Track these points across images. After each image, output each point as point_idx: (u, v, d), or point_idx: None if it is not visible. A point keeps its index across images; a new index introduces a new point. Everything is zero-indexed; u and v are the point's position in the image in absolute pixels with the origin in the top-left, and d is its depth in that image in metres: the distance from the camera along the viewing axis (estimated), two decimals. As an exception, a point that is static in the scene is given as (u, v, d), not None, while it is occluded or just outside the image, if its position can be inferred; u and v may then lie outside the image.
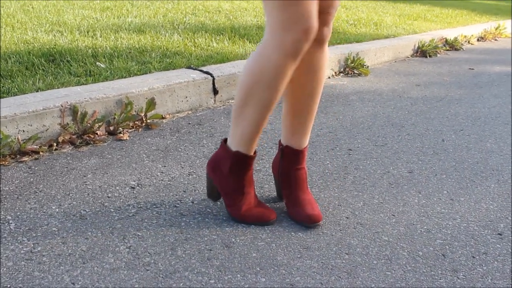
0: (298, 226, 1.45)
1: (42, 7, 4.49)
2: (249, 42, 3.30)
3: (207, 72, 2.45)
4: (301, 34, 1.23)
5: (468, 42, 5.79)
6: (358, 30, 4.55)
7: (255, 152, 1.44)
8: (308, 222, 1.44)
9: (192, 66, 2.56)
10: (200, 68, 2.51)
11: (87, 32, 3.31)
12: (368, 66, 3.59)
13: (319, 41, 1.40)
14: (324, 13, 1.35)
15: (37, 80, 2.28)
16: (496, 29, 6.76)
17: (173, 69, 2.53)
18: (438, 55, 4.66)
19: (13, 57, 2.60)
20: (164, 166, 1.80)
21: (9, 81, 2.28)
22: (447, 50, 4.98)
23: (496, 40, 6.43)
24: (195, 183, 1.68)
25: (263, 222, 1.44)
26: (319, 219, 1.44)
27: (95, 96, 2.06)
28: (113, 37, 3.18)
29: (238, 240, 1.36)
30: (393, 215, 1.55)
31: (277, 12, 1.23)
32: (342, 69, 3.42)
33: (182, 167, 1.79)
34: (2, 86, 2.19)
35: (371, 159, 1.98)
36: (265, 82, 1.30)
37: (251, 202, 1.46)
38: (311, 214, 1.44)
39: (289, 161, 1.51)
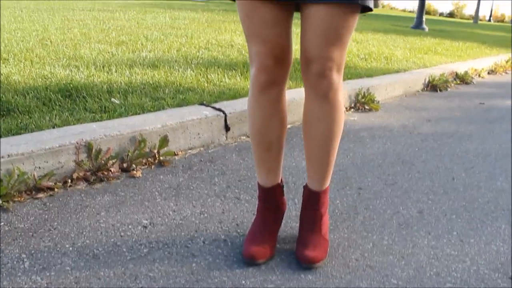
0: (308, 269, 1.46)
1: (60, 41, 4.62)
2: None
3: (219, 109, 2.50)
4: (256, 70, 1.39)
5: (479, 75, 5.82)
6: (368, 64, 4.61)
7: (277, 186, 1.57)
8: (303, 261, 1.46)
9: (204, 102, 2.61)
10: (212, 105, 2.56)
11: (103, 67, 3.40)
12: (378, 101, 3.63)
13: (317, 93, 1.38)
14: (316, 63, 1.33)
15: (54, 116, 2.34)
16: (507, 62, 6.80)
17: (186, 105, 2.58)
18: (449, 89, 4.68)
19: (31, 92, 2.67)
20: (176, 204, 1.82)
21: (27, 116, 2.34)
22: (458, 84, 5.01)
23: (506, 73, 6.46)
24: (206, 223, 1.70)
25: (248, 259, 1.46)
26: (314, 261, 1.45)
27: (110, 133, 2.11)
28: (127, 72, 3.26)
29: (248, 282, 1.37)
30: (403, 257, 1.56)
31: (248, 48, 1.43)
32: (353, 104, 3.45)
33: (194, 206, 1.82)
34: (20, 122, 2.25)
35: (381, 199, 1.99)
36: (248, 114, 1.51)
37: (256, 232, 1.53)
38: (308, 255, 1.46)
39: (306, 201, 1.57)
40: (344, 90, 3.40)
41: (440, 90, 4.55)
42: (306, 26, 1.32)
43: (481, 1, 31.57)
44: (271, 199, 1.57)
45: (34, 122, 2.25)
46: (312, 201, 1.55)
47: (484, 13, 63.38)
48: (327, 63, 1.33)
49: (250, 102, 1.48)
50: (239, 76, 3.34)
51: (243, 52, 4.37)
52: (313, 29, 1.31)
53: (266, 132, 1.48)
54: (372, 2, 1.36)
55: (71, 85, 2.82)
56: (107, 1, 15.70)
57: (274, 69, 1.38)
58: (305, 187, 1.57)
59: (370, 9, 1.36)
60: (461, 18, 54.15)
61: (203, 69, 3.46)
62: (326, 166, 1.51)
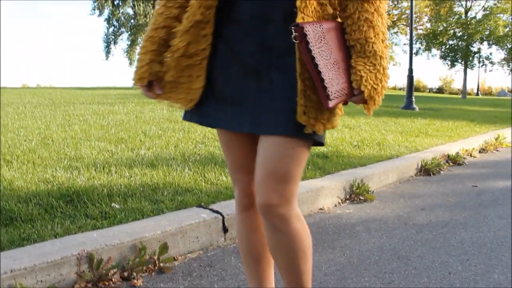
0: None
1: (61, 140, 4.77)
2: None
3: (217, 211, 2.57)
4: (238, 193, 1.52)
5: (470, 155, 5.96)
6: (361, 152, 4.74)
7: None
8: None
9: (202, 204, 2.69)
10: (210, 207, 2.64)
11: (103, 168, 3.50)
12: (373, 191, 3.71)
13: (269, 225, 1.39)
14: (261, 197, 1.35)
15: (56, 225, 2.40)
16: (496, 139, 6.97)
17: (185, 208, 2.65)
18: (442, 172, 4.79)
19: (34, 199, 2.75)
20: (176, 316, 1.84)
21: (30, 225, 2.40)
22: (450, 166, 5.13)
23: (497, 150, 6.60)
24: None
25: None
26: None
27: (110, 242, 2.16)
28: (127, 173, 3.36)
29: None
30: None
31: None
32: (348, 196, 3.53)
33: (194, 317, 1.84)
34: (23, 232, 2.31)
35: (379, 299, 2.01)
36: (235, 228, 1.63)
37: None
38: None
39: None
40: (337, 182, 3.48)
41: (433, 174, 4.65)
42: (257, 157, 1.36)
43: (467, 75, 32.73)
44: None
45: (36, 232, 2.30)
46: None
47: (471, 85, 65.38)
48: (272, 197, 1.33)
49: (236, 217, 1.59)
50: (235, 173, 3.44)
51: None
52: (261, 162, 1.34)
53: (253, 245, 1.55)
54: (323, 137, 1.38)
55: (72, 190, 2.91)
56: (106, 91, 16.25)
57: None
58: None
59: (322, 144, 1.39)
60: (450, 93, 55.81)
61: (200, 167, 3.57)
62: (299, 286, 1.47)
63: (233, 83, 1.37)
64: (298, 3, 1.25)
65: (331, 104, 1.24)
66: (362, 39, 1.29)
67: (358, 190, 3.53)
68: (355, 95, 1.30)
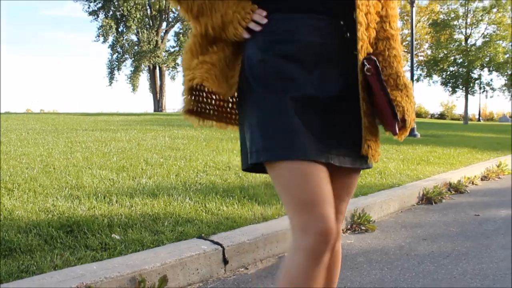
0: None
1: (63, 168, 4.78)
2: (258, 204, 3.45)
3: (217, 243, 2.56)
4: (319, 237, 1.24)
5: (472, 183, 5.94)
6: (363, 180, 4.74)
7: None
8: None
9: (203, 235, 2.68)
10: (210, 238, 2.63)
11: (104, 198, 3.50)
12: (374, 221, 3.69)
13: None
14: None
15: (55, 256, 2.39)
16: (498, 166, 6.95)
17: (185, 239, 2.64)
18: (444, 200, 4.77)
19: (34, 229, 2.74)
20: None
21: (29, 257, 2.39)
22: (452, 194, 5.11)
23: (499, 178, 6.59)
24: None
25: None
26: None
27: (110, 274, 2.15)
28: (128, 203, 3.36)
29: None
30: None
31: (294, 215, 1.27)
32: (349, 226, 3.51)
33: None
34: (22, 264, 2.30)
35: (380, 334, 1.98)
36: (291, 281, 1.29)
37: None
38: None
39: None
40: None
41: (435, 203, 4.63)
42: (341, 190, 1.46)
43: (469, 101, 32.83)
44: None
45: (35, 264, 2.29)
46: None
47: (473, 110, 65.60)
48: (340, 217, 1.49)
49: (299, 274, 1.28)
50: (236, 203, 3.44)
51: (240, 175, 4.51)
52: (348, 194, 1.51)
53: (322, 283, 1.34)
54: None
55: (73, 220, 2.90)
56: (109, 117, 16.35)
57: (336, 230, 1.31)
58: None
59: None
60: (451, 119, 55.89)
61: (201, 196, 3.57)
62: None
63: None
64: (358, 47, 1.34)
65: (398, 131, 1.39)
66: (394, 74, 1.42)
67: (359, 220, 3.52)
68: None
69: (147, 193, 3.65)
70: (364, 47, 1.35)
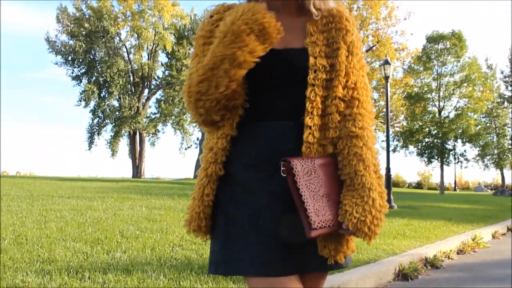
0: None
1: (36, 239, 4.68)
2: (233, 282, 3.41)
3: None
4: None
5: (448, 257, 5.96)
6: (339, 255, 4.72)
7: None
8: None
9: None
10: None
11: (76, 273, 3.43)
12: (350, 300, 3.66)
13: None
14: None
15: None
16: (473, 240, 7.02)
17: (157, 320, 2.59)
18: (419, 276, 4.76)
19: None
20: None
21: None
22: (428, 269, 5.11)
23: (475, 251, 6.63)
24: None
25: None
26: None
27: None
28: (101, 279, 3.29)
29: None
30: None
31: None
32: (324, 304, 3.48)
33: None
34: None
35: None
36: None
37: None
38: None
39: None
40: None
41: (411, 279, 4.62)
42: None
43: (444, 170, 33.49)
44: None
45: None
46: None
47: (449, 179, 66.58)
48: None
49: None
50: (211, 281, 3.40)
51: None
52: None
53: None
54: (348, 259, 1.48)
55: (42, 299, 2.83)
56: (86, 183, 16.15)
57: None
58: None
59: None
60: (428, 188, 56.63)
61: (175, 273, 3.52)
62: None
63: None
64: (303, 149, 1.37)
65: (313, 233, 1.29)
66: (352, 172, 1.35)
67: (335, 299, 3.49)
68: (343, 228, 1.34)
69: (121, 269, 3.59)
70: (312, 148, 1.37)
